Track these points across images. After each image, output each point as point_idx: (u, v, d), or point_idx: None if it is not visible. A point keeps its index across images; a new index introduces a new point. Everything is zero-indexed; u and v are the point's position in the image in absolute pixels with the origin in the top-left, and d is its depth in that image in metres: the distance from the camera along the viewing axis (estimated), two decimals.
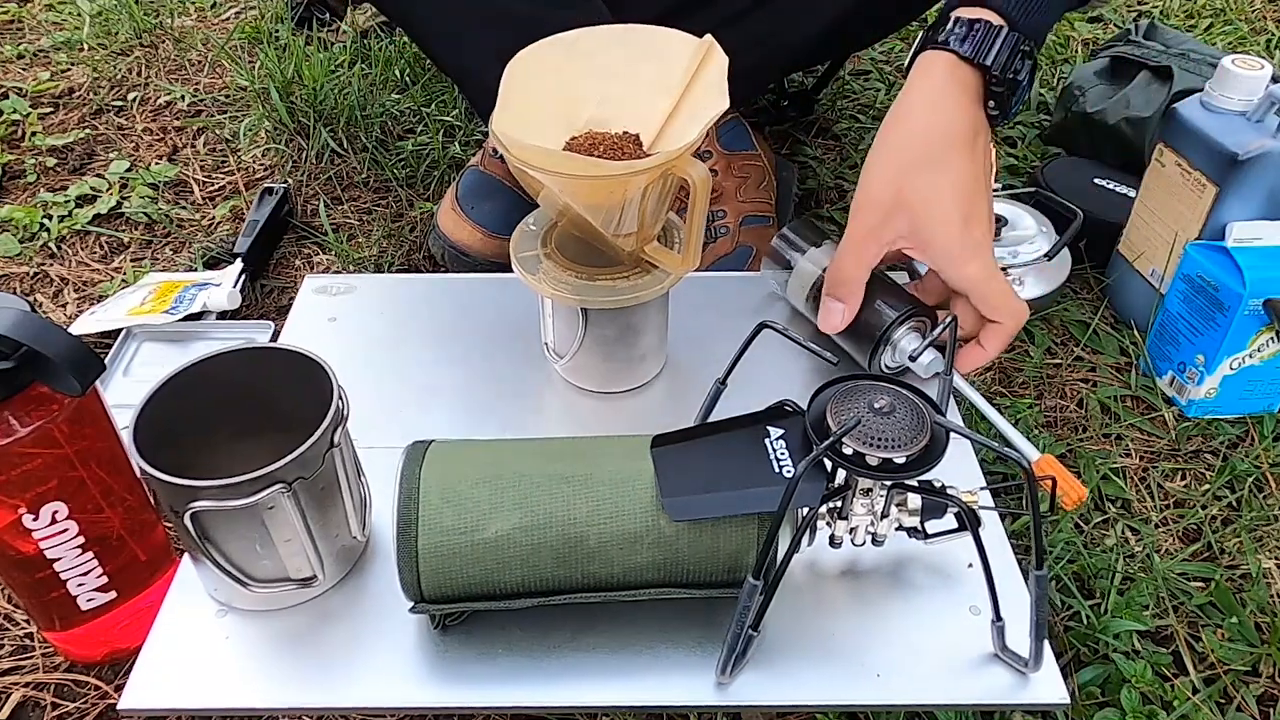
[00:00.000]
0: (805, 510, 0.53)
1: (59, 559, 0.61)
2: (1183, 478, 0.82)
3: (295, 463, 0.52)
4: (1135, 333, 0.93)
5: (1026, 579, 0.52)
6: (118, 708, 0.54)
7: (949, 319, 0.67)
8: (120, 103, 1.32)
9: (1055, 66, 1.36)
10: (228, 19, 1.52)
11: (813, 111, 1.26)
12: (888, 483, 0.53)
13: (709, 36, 0.65)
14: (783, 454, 0.53)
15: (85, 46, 1.43)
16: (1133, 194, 0.95)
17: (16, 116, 1.28)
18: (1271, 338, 0.81)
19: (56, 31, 1.47)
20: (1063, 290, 0.96)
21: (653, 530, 0.53)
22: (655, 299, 0.69)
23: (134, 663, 0.56)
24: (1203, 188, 0.84)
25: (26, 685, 0.68)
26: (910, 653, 0.56)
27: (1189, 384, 0.85)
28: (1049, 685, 0.54)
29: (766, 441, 0.54)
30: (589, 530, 0.53)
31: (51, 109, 1.32)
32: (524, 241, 0.70)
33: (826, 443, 0.49)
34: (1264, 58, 0.85)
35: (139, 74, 1.38)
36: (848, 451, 0.51)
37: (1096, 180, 1.05)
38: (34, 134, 1.25)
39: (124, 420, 0.61)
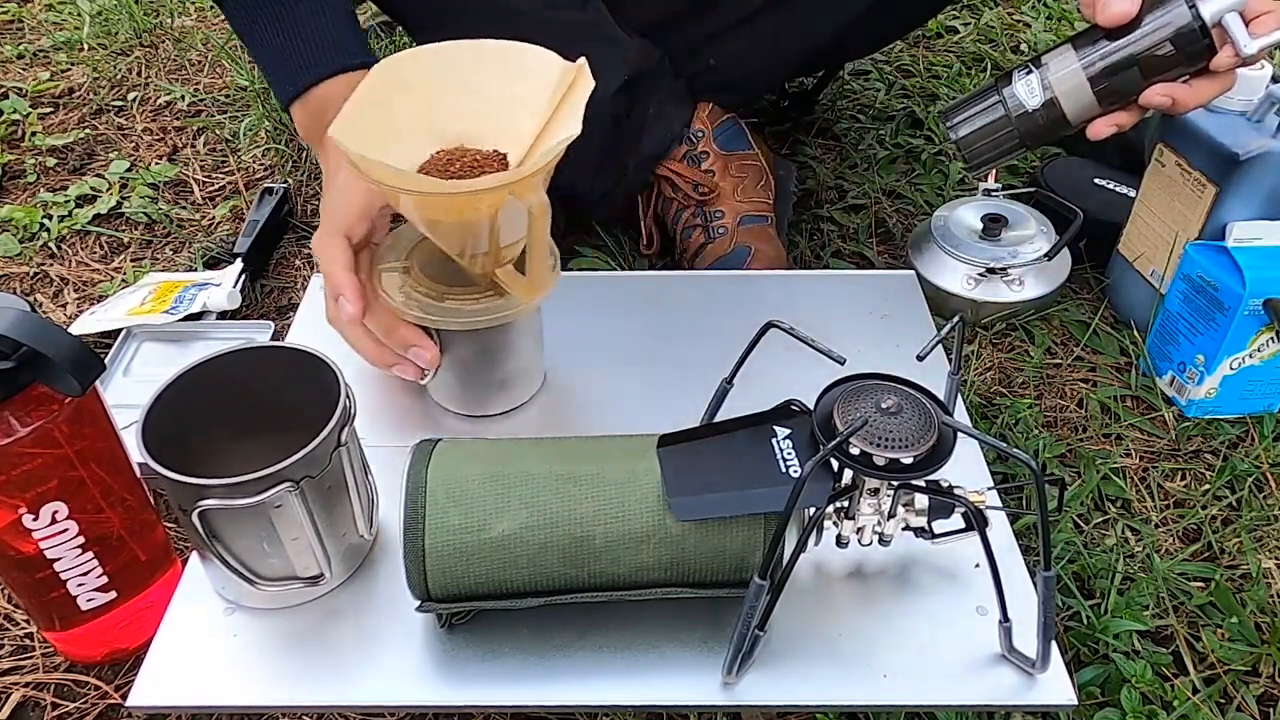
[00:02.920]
0: (812, 510, 0.53)
1: (59, 559, 0.61)
2: (1183, 478, 0.82)
3: (303, 461, 0.52)
4: (1135, 333, 0.93)
5: (1034, 579, 0.52)
6: (126, 704, 0.54)
7: (955, 319, 0.67)
8: (120, 103, 1.32)
9: None
10: None
11: (813, 111, 1.26)
12: (895, 483, 0.53)
13: (582, 60, 0.63)
14: (789, 454, 0.53)
15: (85, 46, 1.43)
16: (1133, 194, 0.95)
17: (16, 116, 1.28)
18: (1271, 338, 0.81)
19: (56, 31, 1.47)
20: (1063, 290, 0.96)
21: (659, 530, 0.53)
22: (520, 323, 0.66)
23: (139, 661, 0.56)
24: (1203, 188, 0.84)
25: (26, 685, 0.68)
26: (917, 653, 0.56)
27: (1189, 384, 0.85)
28: (1057, 686, 0.54)
29: (773, 441, 0.54)
30: (595, 530, 0.53)
31: (51, 109, 1.31)
32: (390, 252, 0.68)
33: (833, 443, 0.49)
34: (1264, 58, 0.85)
35: (139, 74, 1.38)
36: (855, 451, 0.51)
37: (1096, 180, 1.05)
38: (34, 134, 1.25)
39: (124, 420, 0.62)
